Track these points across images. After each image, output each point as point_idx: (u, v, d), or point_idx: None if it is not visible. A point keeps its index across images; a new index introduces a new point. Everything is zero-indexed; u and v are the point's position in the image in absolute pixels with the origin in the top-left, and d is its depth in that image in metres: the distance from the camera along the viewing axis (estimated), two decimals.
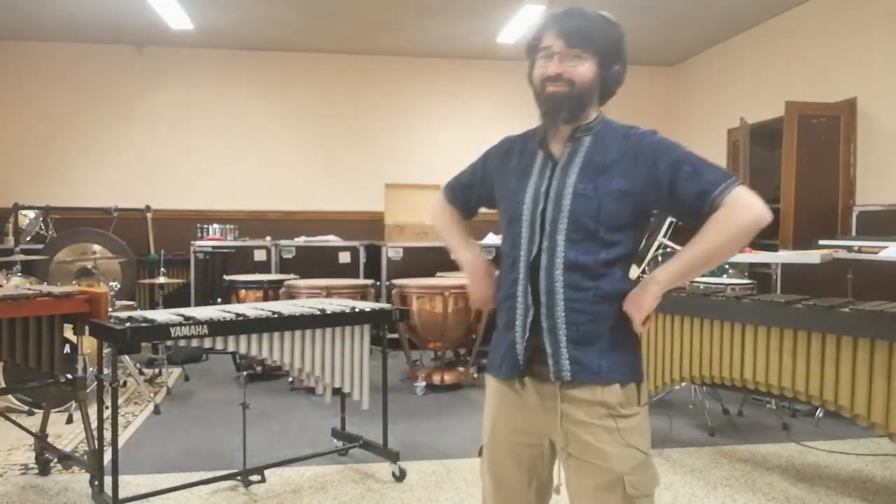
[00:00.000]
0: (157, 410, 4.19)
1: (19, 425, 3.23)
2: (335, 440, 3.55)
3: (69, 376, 3.15)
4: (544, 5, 5.73)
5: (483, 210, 1.90)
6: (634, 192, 1.51)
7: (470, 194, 1.86)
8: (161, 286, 5.68)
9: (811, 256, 3.99)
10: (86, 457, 3.20)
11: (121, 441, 3.57)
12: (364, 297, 4.86)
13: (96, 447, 2.84)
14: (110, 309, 3.99)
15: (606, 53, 1.54)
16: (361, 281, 5.47)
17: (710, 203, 1.48)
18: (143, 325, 2.57)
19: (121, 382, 4.56)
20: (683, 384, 3.48)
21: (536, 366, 1.56)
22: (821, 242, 4.52)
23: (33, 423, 3.46)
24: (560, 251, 1.52)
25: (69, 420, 3.96)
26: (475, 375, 5.01)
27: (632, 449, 1.51)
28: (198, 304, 5.96)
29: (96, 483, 2.78)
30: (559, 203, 1.53)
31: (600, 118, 1.60)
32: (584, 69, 1.53)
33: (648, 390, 1.66)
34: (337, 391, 3.15)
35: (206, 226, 6.40)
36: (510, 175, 1.65)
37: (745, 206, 1.46)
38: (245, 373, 4.71)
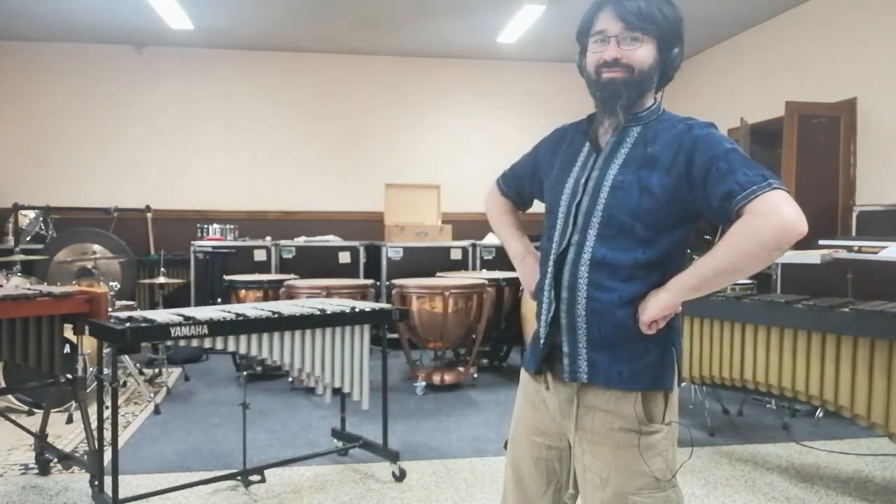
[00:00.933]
0: (157, 410, 4.19)
1: (19, 425, 3.23)
2: (335, 440, 3.55)
3: (69, 376, 3.15)
4: (544, 5, 5.73)
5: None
6: (672, 188, 1.40)
7: (522, 186, 1.77)
8: (161, 286, 5.68)
9: (811, 256, 3.99)
10: (86, 457, 3.20)
11: (121, 441, 3.57)
12: (364, 297, 4.86)
13: (96, 447, 2.84)
14: (110, 309, 3.99)
15: (667, 36, 1.44)
16: (361, 281, 5.47)
17: (734, 207, 1.32)
18: (143, 325, 2.56)
19: (121, 382, 4.57)
20: (683, 384, 3.49)
21: (558, 363, 1.50)
22: (821, 242, 4.51)
23: (33, 423, 3.46)
24: (588, 246, 1.44)
25: (69, 420, 3.96)
26: (475, 375, 5.01)
27: (643, 469, 1.43)
28: (198, 304, 5.96)
29: (96, 483, 2.77)
30: (596, 196, 1.45)
31: (655, 107, 1.50)
32: (644, 53, 1.43)
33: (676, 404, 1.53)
34: (337, 391, 3.15)
35: (206, 226, 6.41)
36: (556, 166, 1.58)
37: (769, 214, 1.28)
38: (245, 373, 4.72)
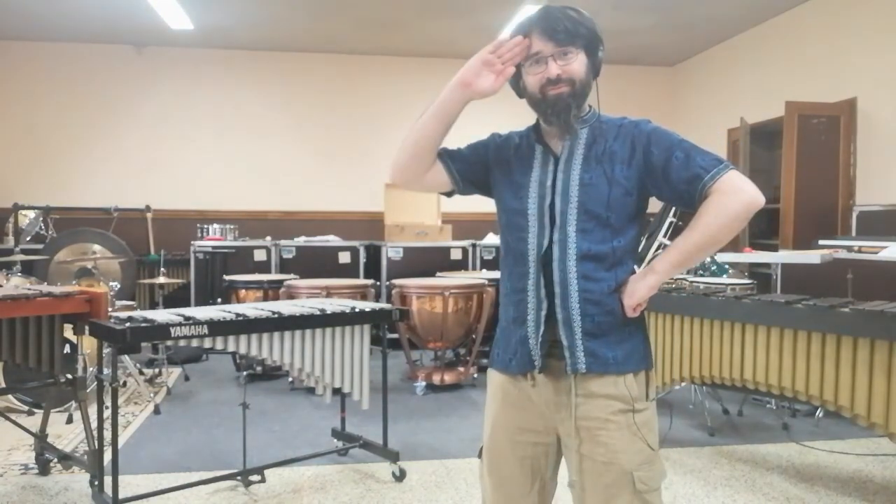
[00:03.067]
0: (157, 410, 4.19)
1: (19, 425, 3.23)
2: (335, 440, 3.55)
3: (69, 376, 3.15)
4: (543, 5, 5.73)
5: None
6: (634, 179, 1.54)
7: (469, 168, 1.68)
8: (161, 286, 5.68)
9: (811, 256, 3.99)
10: (86, 457, 3.20)
11: (121, 441, 3.57)
12: (364, 297, 4.86)
13: (96, 447, 2.84)
14: (110, 309, 3.99)
15: (590, 42, 1.55)
16: (361, 281, 5.47)
17: (700, 189, 1.49)
18: (143, 325, 2.56)
19: (121, 382, 4.57)
20: (683, 384, 3.48)
21: (549, 360, 1.56)
22: (821, 242, 4.51)
23: (33, 423, 3.46)
24: (572, 242, 1.53)
25: (69, 420, 3.96)
26: (475, 375, 5.01)
27: (641, 444, 1.52)
28: (198, 304, 5.97)
29: (96, 483, 2.78)
30: (567, 195, 1.54)
31: (592, 110, 1.62)
32: (579, 64, 1.54)
33: (656, 393, 1.65)
34: (337, 391, 3.15)
35: (206, 226, 6.41)
36: (511, 169, 1.65)
37: (735, 191, 1.47)
38: (245, 373, 4.72)
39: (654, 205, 1.86)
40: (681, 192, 1.52)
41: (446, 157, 1.69)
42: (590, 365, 1.52)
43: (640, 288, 1.53)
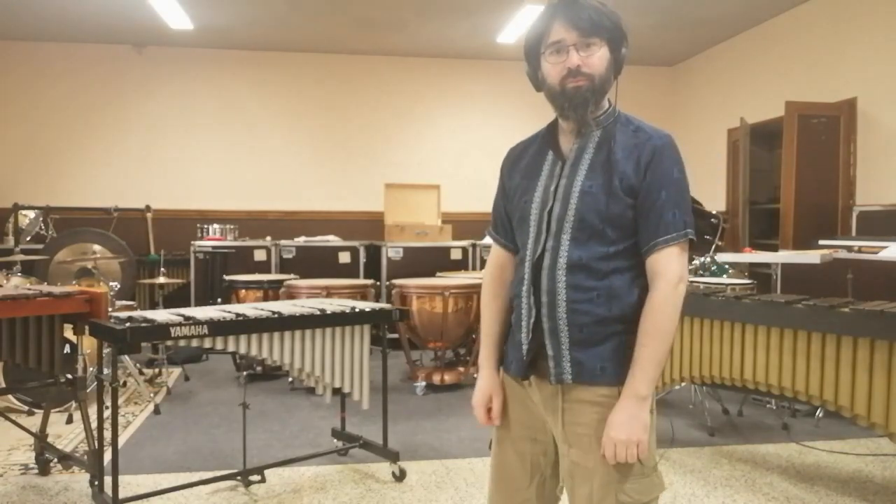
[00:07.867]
0: (157, 410, 4.19)
1: (19, 425, 3.23)
2: (335, 440, 3.55)
3: (69, 376, 3.15)
4: (544, 5, 5.73)
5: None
6: (633, 192, 1.47)
7: (508, 225, 1.70)
8: (161, 286, 5.69)
9: (811, 256, 3.99)
10: (86, 457, 3.20)
11: (121, 441, 3.58)
12: (364, 297, 4.86)
13: (96, 447, 2.84)
14: (110, 309, 3.99)
15: (615, 37, 1.50)
16: (361, 281, 5.47)
17: (644, 249, 1.47)
18: (143, 325, 2.57)
19: (121, 382, 4.57)
20: (683, 384, 3.48)
21: (543, 363, 1.54)
22: (821, 242, 4.51)
23: (33, 423, 3.46)
24: (563, 251, 1.49)
25: (69, 420, 3.97)
26: (475, 375, 5.00)
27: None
28: (198, 304, 5.97)
29: (96, 483, 2.78)
30: (566, 202, 1.50)
31: (611, 110, 1.55)
32: (600, 58, 1.48)
33: (655, 395, 1.59)
34: (337, 391, 3.15)
35: (206, 226, 6.41)
36: (520, 176, 1.63)
37: (657, 277, 1.45)
38: (245, 373, 4.72)
39: None
40: (640, 229, 1.48)
41: (495, 234, 1.76)
42: (576, 375, 1.49)
43: (637, 430, 1.44)
